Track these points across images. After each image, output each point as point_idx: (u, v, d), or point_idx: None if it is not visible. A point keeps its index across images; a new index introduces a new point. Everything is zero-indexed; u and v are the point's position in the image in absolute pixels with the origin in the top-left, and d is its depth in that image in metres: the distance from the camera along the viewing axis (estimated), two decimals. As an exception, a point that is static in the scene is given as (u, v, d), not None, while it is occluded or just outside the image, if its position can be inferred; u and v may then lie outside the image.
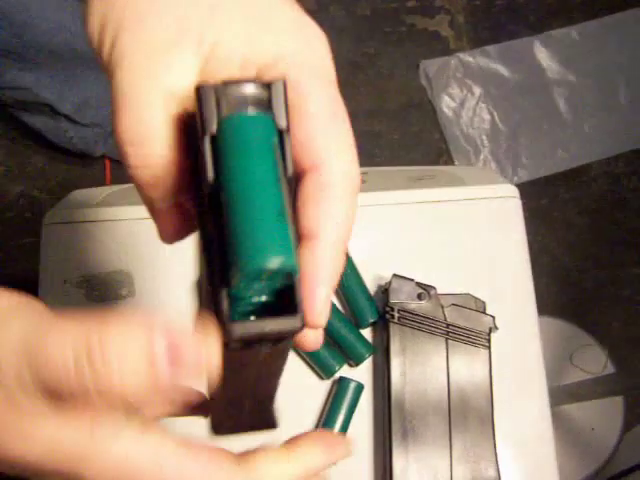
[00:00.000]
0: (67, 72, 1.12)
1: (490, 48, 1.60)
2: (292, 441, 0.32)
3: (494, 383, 0.59)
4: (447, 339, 0.59)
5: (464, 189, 0.68)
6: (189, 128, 0.28)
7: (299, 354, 0.62)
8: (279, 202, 0.25)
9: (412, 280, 0.60)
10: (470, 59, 1.59)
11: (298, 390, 0.61)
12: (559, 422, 1.18)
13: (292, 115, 0.27)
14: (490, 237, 0.66)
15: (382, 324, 0.62)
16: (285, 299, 0.26)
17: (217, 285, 0.25)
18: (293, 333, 0.26)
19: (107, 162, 1.39)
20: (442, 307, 0.60)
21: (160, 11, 0.28)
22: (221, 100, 0.26)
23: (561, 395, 1.12)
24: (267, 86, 0.26)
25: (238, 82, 0.26)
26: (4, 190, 1.45)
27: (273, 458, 0.30)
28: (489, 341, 0.60)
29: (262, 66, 0.29)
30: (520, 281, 0.65)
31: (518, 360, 0.63)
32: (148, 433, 0.28)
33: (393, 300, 0.59)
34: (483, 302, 0.61)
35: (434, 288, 0.60)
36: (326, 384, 0.62)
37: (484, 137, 1.52)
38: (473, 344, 0.59)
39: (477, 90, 1.57)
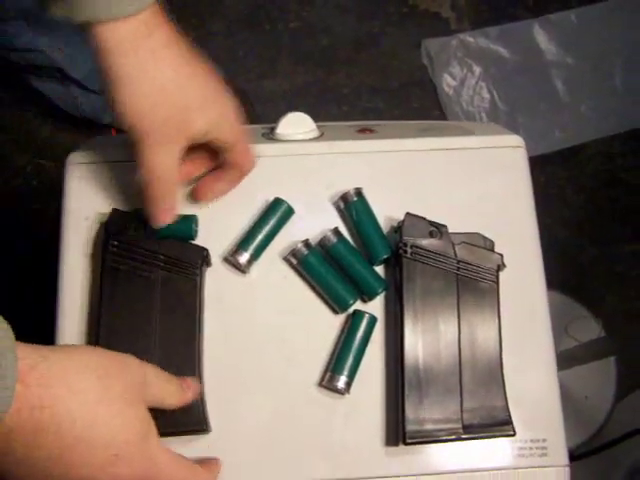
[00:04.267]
0: (80, 37, 1.14)
1: (490, 29, 1.63)
2: None
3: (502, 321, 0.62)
4: (457, 275, 0.62)
5: (473, 138, 0.70)
6: None
7: (313, 289, 0.64)
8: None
9: (424, 218, 0.63)
10: (470, 39, 1.62)
11: (313, 324, 0.64)
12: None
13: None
14: (497, 184, 0.68)
15: (395, 260, 0.64)
16: None
17: None
18: None
19: (113, 131, 1.41)
20: (453, 245, 0.62)
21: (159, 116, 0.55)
22: None
23: (556, 362, 1.15)
24: None
25: None
26: (11, 158, 1.47)
27: None
28: (497, 278, 0.62)
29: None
30: (526, 225, 0.68)
31: (523, 303, 0.65)
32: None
33: (406, 237, 0.62)
34: (492, 241, 0.64)
35: (445, 226, 0.63)
36: (340, 318, 0.64)
37: (483, 115, 1.55)
38: (482, 280, 0.62)
39: (477, 70, 1.60)
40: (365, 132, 0.74)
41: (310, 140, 0.70)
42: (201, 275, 0.62)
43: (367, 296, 0.63)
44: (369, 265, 0.64)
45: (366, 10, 1.63)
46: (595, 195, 1.56)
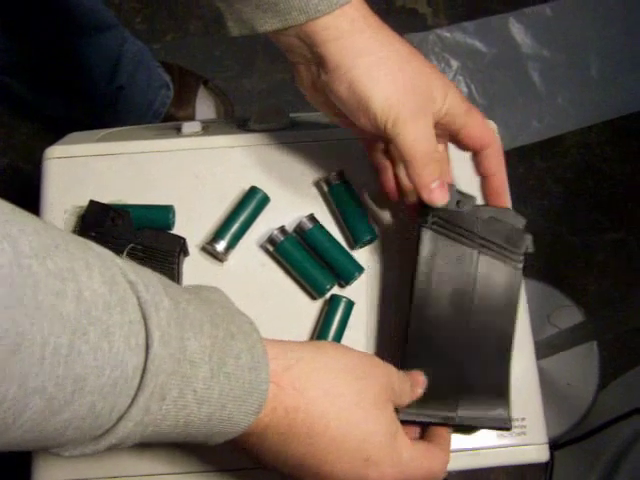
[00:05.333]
0: (54, 36, 1.14)
1: (466, 24, 1.64)
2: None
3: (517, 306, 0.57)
4: (480, 252, 0.56)
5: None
6: None
7: (291, 275, 0.65)
8: None
9: (453, 185, 0.57)
10: (447, 34, 1.63)
11: (291, 310, 0.64)
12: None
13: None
14: (471, 167, 0.69)
15: (416, 228, 0.58)
16: None
17: None
18: None
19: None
20: (479, 219, 0.56)
21: None
22: None
23: (538, 349, 1.16)
24: None
25: None
26: (-10, 162, 1.47)
27: None
28: (523, 261, 0.57)
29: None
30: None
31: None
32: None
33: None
34: (524, 219, 0.57)
35: (474, 198, 0.57)
36: (318, 304, 0.64)
37: (461, 109, 1.56)
38: (505, 261, 0.57)
39: (454, 64, 1.61)
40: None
41: (284, 129, 0.70)
42: (179, 264, 0.62)
43: (344, 281, 0.64)
44: (345, 250, 0.64)
45: (343, 7, 1.63)
46: (574, 185, 1.57)
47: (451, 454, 0.60)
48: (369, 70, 0.51)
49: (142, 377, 0.36)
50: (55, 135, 1.46)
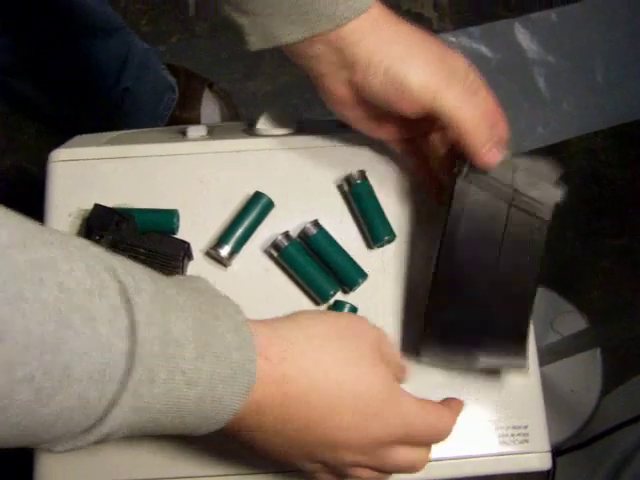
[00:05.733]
0: (52, 37, 1.13)
1: (472, 29, 1.64)
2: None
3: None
4: (511, 204, 0.57)
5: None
6: None
7: (295, 281, 0.65)
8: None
9: None
10: (453, 39, 1.63)
11: (294, 315, 0.64)
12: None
13: None
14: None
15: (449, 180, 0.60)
16: None
17: None
18: None
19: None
20: (513, 170, 0.58)
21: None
22: None
23: (541, 356, 1.16)
24: None
25: None
26: (-5, 162, 1.47)
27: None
28: (551, 214, 0.58)
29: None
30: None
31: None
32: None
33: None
34: (559, 171, 0.58)
35: (509, 152, 0.58)
36: (321, 309, 0.64)
37: (466, 113, 1.56)
38: (534, 214, 0.58)
39: (460, 68, 1.61)
40: (346, 126, 0.74)
41: (289, 135, 0.70)
42: (183, 268, 0.62)
43: (347, 286, 0.64)
44: (349, 256, 0.64)
45: (349, 11, 1.63)
46: (579, 191, 1.57)
47: (452, 462, 0.61)
48: (400, 55, 0.54)
49: (129, 361, 0.36)
50: (59, 136, 1.46)
